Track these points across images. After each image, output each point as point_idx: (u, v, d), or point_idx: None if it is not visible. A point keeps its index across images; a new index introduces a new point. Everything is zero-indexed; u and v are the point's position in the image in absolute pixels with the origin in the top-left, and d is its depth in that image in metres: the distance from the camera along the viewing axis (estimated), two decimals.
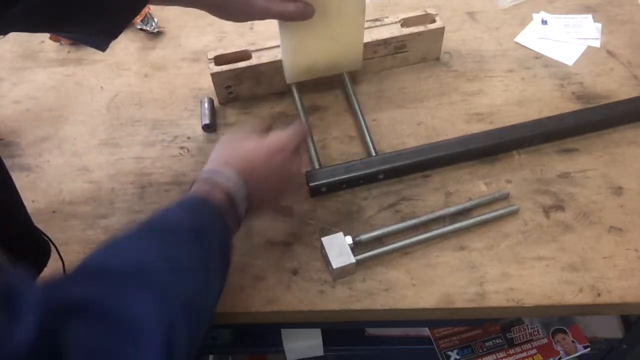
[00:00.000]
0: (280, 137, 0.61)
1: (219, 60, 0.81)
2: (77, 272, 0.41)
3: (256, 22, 0.98)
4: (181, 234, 0.48)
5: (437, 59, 0.88)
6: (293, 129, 0.62)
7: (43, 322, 0.33)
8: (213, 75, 0.80)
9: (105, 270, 0.41)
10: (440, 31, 0.85)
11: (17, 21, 0.53)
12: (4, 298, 0.33)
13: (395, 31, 0.84)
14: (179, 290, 0.42)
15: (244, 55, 0.82)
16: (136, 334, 0.37)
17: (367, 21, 0.85)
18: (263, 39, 0.84)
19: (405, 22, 0.85)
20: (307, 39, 0.74)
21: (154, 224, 0.49)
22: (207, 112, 0.81)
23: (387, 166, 0.72)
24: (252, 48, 0.82)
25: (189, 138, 0.80)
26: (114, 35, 0.65)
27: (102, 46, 0.67)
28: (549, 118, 0.77)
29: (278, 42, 0.82)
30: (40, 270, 0.60)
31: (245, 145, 0.60)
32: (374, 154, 0.73)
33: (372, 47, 0.83)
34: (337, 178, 0.70)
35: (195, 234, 0.48)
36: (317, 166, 0.72)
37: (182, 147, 0.78)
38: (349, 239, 0.64)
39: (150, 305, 0.39)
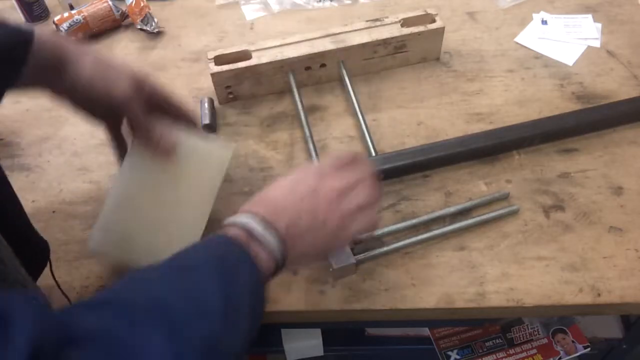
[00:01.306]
0: (347, 176, 0.53)
1: (219, 60, 0.81)
2: (93, 301, 0.40)
3: (256, 21, 0.98)
4: (205, 274, 0.43)
5: (437, 59, 0.89)
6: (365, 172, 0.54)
7: (36, 349, 0.31)
8: (213, 75, 0.80)
9: (121, 302, 0.39)
10: (440, 31, 0.85)
11: None
12: None
13: (395, 31, 0.84)
14: (197, 332, 0.39)
15: (244, 55, 0.82)
16: None
17: (367, 21, 0.85)
18: (263, 39, 0.84)
19: (405, 22, 0.85)
20: (135, 209, 0.62)
21: (178, 261, 0.45)
22: (207, 112, 0.81)
23: (387, 166, 0.72)
24: (252, 48, 0.82)
25: None
26: None
27: None
28: (549, 118, 0.77)
29: (278, 42, 0.83)
30: (40, 271, 0.60)
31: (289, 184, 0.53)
32: (374, 154, 0.73)
33: (372, 47, 0.83)
34: None
35: (220, 276, 0.43)
36: None
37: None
38: None
39: (164, 344, 0.37)
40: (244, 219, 0.49)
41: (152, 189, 0.62)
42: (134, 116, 0.59)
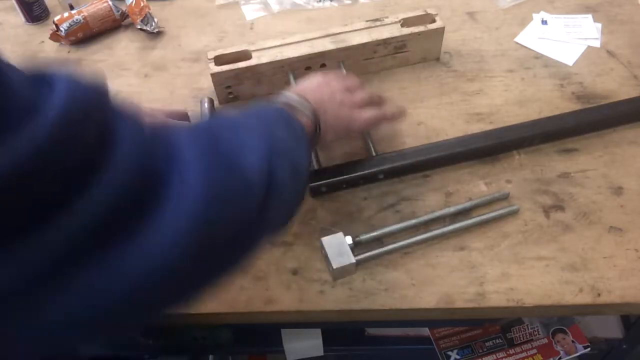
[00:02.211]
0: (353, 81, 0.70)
1: (219, 60, 0.81)
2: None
3: (256, 21, 0.98)
4: (272, 118, 0.53)
5: (437, 59, 0.89)
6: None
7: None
8: (213, 75, 0.80)
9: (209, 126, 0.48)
10: (440, 31, 0.85)
11: None
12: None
13: (395, 31, 0.84)
14: (280, 145, 0.47)
15: (244, 55, 0.82)
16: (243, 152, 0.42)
17: (367, 21, 0.85)
18: (263, 39, 0.84)
19: (405, 22, 0.85)
20: None
21: (244, 111, 0.52)
22: (207, 112, 0.81)
23: (387, 166, 0.72)
24: (252, 48, 0.82)
25: None
26: None
27: None
28: (548, 118, 0.76)
29: (278, 42, 0.83)
30: None
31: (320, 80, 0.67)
32: (374, 154, 0.73)
33: (372, 47, 0.83)
34: (337, 178, 0.70)
35: (285, 120, 0.53)
36: (316, 166, 0.73)
37: None
38: (349, 239, 0.64)
39: (259, 142, 0.44)
40: (282, 97, 0.60)
41: None
42: None
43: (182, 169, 0.36)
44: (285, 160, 0.46)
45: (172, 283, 0.36)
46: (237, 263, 0.43)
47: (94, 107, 0.33)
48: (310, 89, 0.64)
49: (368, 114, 0.69)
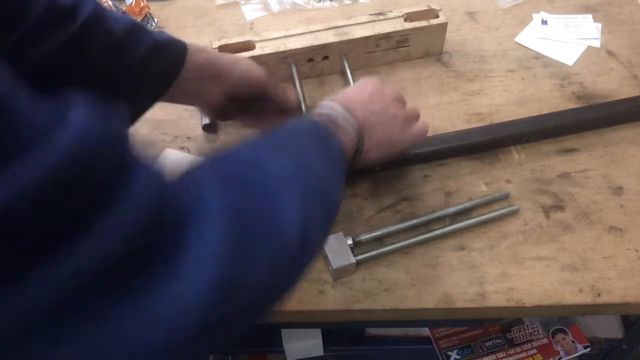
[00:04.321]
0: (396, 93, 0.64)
1: (223, 50, 0.82)
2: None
3: (256, 21, 0.98)
4: (307, 145, 0.48)
5: (440, 54, 0.89)
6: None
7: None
8: None
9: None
10: (444, 26, 0.85)
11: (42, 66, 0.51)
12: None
13: (398, 25, 0.84)
14: (314, 185, 0.43)
15: (248, 45, 0.82)
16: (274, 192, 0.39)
17: (371, 15, 0.86)
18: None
19: (408, 17, 0.85)
20: None
21: (281, 133, 0.49)
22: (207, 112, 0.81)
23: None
24: (255, 39, 0.82)
25: (189, 138, 0.80)
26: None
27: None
28: (547, 115, 0.77)
29: (281, 34, 0.83)
30: None
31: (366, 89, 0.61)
32: None
33: (374, 41, 0.84)
34: None
35: (319, 149, 0.48)
36: None
37: (182, 147, 0.78)
38: (349, 239, 0.64)
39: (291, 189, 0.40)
40: (326, 108, 0.55)
41: None
42: (273, 92, 0.69)
43: (206, 220, 0.33)
44: (318, 204, 0.43)
45: (183, 348, 0.31)
46: (262, 313, 0.40)
47: (109, 148, 0.30)
48: (361, 99, 0.58)
49: (416, 129, 0.64)
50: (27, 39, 0.49)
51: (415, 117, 0.64)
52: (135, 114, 0.61)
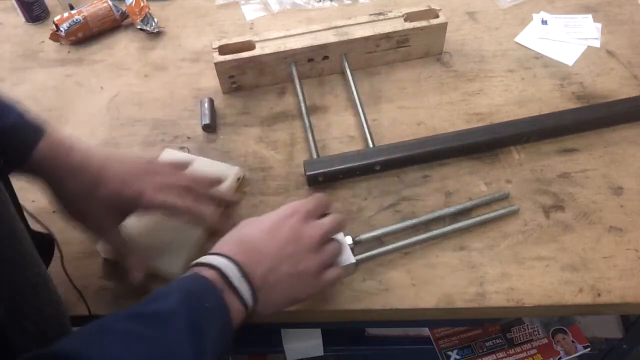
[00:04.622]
0: (291, 205, 0.55)
1: (223, 50, 0.82)
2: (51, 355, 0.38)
3: (256, 21, 0.98)
4: (177, 331, 0.42)
5: (440, 54, 0.89)
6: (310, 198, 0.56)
7: None
8: (217, 64, 0.81)
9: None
10: (443, 26, 0.85)
11: None
12: None
13: (398, 25, 0.84)
14: None
15: (248, 45, 0.82)
16: None
17: (371, 15, 0.86)
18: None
19: (408, 17, 0.85)
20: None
21: (152, 307, 0.44)
22: (207, 112, 0.81)
23: (383, 157, 0.72)
24: (256, 39, 0.82)
25: (189, 138, 0.80)
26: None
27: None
28: (546, 115, 0.77)
29: (281, 34, 0.83)
30: (47, 264, 0.60)
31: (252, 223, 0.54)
32: (371, 145, 0.74)
33: (374, 41, 0.84)
34: (333, 168, 0.71)
35: (192, 334, 0.42)
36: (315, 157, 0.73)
37: (182, 147, 0.78)
38: (349, 239, 0.64)
39: None
40: (222, 263, 0.48)
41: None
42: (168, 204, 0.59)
43: None
44: None
45: None
46: None
47: None
48: (271, 249, 0.51)
49: (327, 278, 0.55)
50: None
51: (334, 257, 0.57)
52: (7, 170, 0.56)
